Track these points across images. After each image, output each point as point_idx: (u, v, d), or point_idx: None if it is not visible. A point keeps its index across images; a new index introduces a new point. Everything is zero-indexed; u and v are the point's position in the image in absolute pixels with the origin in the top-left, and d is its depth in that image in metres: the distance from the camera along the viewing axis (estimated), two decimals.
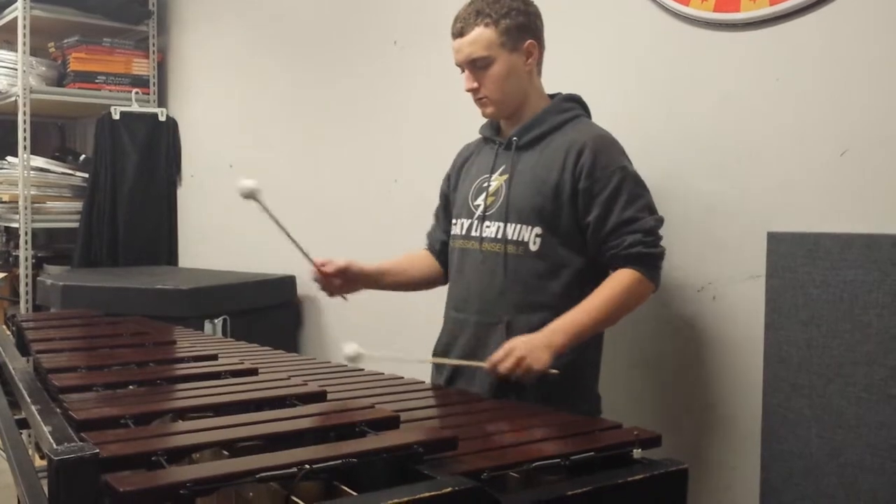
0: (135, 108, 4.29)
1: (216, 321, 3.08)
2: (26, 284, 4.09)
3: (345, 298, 2.10)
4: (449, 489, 1.02)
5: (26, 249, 4.08)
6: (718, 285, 2.00)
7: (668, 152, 2.10)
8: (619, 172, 1.82)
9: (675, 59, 2.08)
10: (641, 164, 2.15)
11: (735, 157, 1.96)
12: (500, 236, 1.89)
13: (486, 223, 1.92)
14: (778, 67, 1.88)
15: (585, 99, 2.20)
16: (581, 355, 1.85)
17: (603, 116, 2.25)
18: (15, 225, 4.17)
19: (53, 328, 2.27)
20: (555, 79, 2.37)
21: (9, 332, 2.32)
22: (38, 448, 1.42)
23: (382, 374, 1.97)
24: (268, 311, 3.29)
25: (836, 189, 1.78)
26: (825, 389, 1.73)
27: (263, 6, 3.68)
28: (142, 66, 4.42)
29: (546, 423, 1.44)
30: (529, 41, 1.89)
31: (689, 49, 2.05)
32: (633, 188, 1.83)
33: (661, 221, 1.85)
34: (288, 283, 3.39)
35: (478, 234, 1.93)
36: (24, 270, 4.09)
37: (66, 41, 4.32)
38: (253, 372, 1.71)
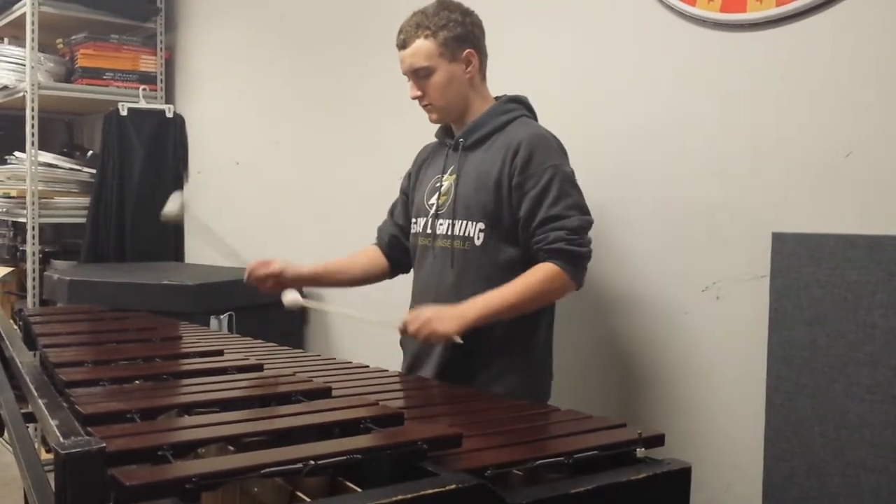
0: (142, 104, 4.31)
1: (222, 317, 3.09)
2: (33, 279, 4.11)
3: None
4: (453, 486, 1.03)
5: (33, 244, 4.09)
6: (723, 285, 2.00)
7: (672, 152, 2.10)
8: (550, 170, 1.89)
9: (681, 59, 2.08)
10: (645, 163, 2.16)
11: (740, 157, 1.96)
12: (449, 233, 2.00)
13: (439, 221, 2.03)
14: (783, 68, 1.88)
15: (590, 97, 2.22)
16: (527, 340, 1.98)
17: (607, 115, 2.26)
18: (22, 220, 4.18)
19: (60, 323, 2.28)
20: (559, 78, 2.38)
21: (16, 327, 2.32)
22: (44, 442, 1.43)
23: (387, 370, 1.98)
24: (273, 307, 3.27)
25: (841, 190, 1.78)
26: (829, 389, 1.73)
27: (269, 3, 3.68)
28: (149, 63, 4.43)
29: (550, 421, 1.44)
30: (468, 50, 1.99)
31: (694, 49, 2.05)
32: (563, 186, 1.89)
33: (588, 222, 1.91)
34: None
35: (432, 232, 2.04)
36: (31, 265, 4.11)
37: (74, 37, 4.33)
38: (258, 368, 1.71)
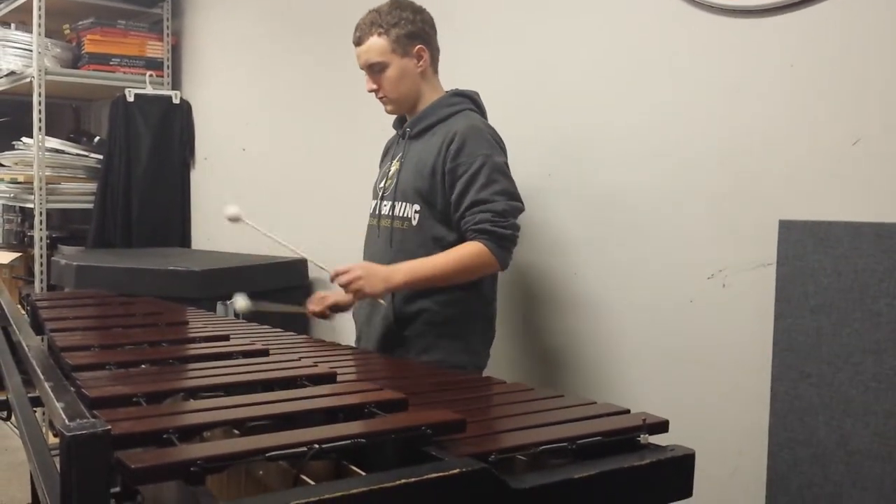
0: (149, 90, 4.31)
1: (228, 302, 3.09)
2: (41, 264, 4.13)
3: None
4: (456, 470, 1.03)
5: (41, 230, 4.11)
6: (729, 273, 2.00)
7: (679, 138, 2.10)
8: (480, 158, 2.04)
9: (689, 44, 2.08)
10: (651, 150, 2.15)
11: (747, 144, 1.96)
12: (390, 213, 2.18)
13: (384, 202, 2.21)
14: (793, 54, 1.87)
15: (596, 84, 2.21)
16: (462, 312, 2.11)
17: (614, 102, 2.25)
18: (30, 205, 4.20)
19: (67, 307, 2.28)
20: (565, 65, 2.37)
21: (23, 312, 2.33)
22: (51, 426, 1.43)
23: (392, 356, 1.98)
24: (279, 293, 3.28)
25: (849, 177, 1.77)
26: (834, 377, 1.73)
27: None
28: (156, 49, 4.44)
29: (554, 407, 1.44)
30: (419, 46, 2.16)
31: (703, 35, 2.04)
32: (492, 174, 2.04)
33: (515, 207, 2.05)
34: (299, 265, 3.41)
35: (378, 213, 2.23)
36: (38, 250, 4.13)
37: (80, 23, 4.34)
38: (264, 353, 1.72)
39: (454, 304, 2.11)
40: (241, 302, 2.17)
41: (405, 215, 2.13)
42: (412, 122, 2.20)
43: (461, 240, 2.08)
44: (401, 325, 2.12)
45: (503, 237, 2.01)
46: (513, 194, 2.06)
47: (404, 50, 2.13)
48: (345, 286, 1.99)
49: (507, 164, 2.10)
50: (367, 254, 2.25)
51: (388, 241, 2.16)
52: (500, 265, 2.05)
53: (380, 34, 2.12)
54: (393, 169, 2.21)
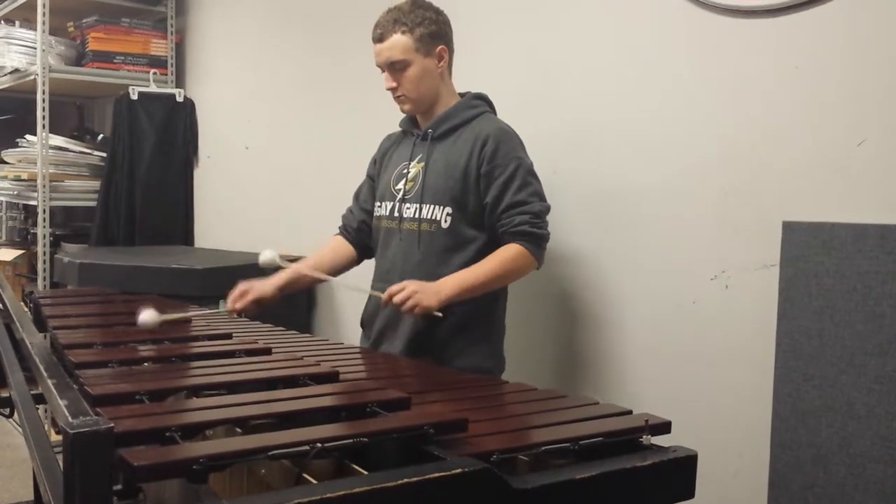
0: (152, 88, 4.32)
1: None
2: (44, 262, 4.13)
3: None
4: (458, 470, 1.03)
5: (44, 227, 4.12)
6: (732, 274, 2.00)
7: (683, 139, 2.09)
8: (515, 161, 2.07)
9: (693, 45, 2.07)
10: (654, 150, 2.15)
11: (751, 144, 1.95)
12: (416, 216, 2.14)
13: (406, 205, 2.16)
14: (797, 55, 1.86)
15: (601, 83, 2.22)
16: (488, 316, 2.13)
17: (617, 102, 2.25)
18: (33, 203, 4.20)
19: (70, 305, 2.29)
20: (572, 65, 2.37)
21: (26, 309, 2.33)
22: (54, 424, 1.43)
23: (395, 355, 1.98)
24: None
25: (853, 179, 1.77)
26: (836, 379, 1.73)
27: None
28: (160, 47, 4.44)
29: (556, 408, 1.44)
30: (441, 47, 2.15)
31: (707, 35, 2.04)
32: (526, 176, 2.07)
33: (547, 208, 2.09)
34: None
35: (398, 215, 2.18)
36: (41, 248, 4.14)
37: (84, 21, 4.35)
38: (267, 351, 1.72)
39: (480, 308, 2.10)
40: (268, 254, 2.14)
41: (434, 217, 2.11)
42: (435, 124, 2.17)
43: (493, 240, 2.08)
44: (430, 330, 2.07)
45: (541, 237, 2.05)
46: (543, 196, 2.10)
47: (427, 50, 2.11)
48: (402, 303, 1.96)
49: (532, 164, 2.11)
50: (385, 258, 2.21)
51: (414, 244, 2.12)
52: (538, 264, 2.08)
53: (403, 32, 2.10)
54: (414, 170, 2.17)
